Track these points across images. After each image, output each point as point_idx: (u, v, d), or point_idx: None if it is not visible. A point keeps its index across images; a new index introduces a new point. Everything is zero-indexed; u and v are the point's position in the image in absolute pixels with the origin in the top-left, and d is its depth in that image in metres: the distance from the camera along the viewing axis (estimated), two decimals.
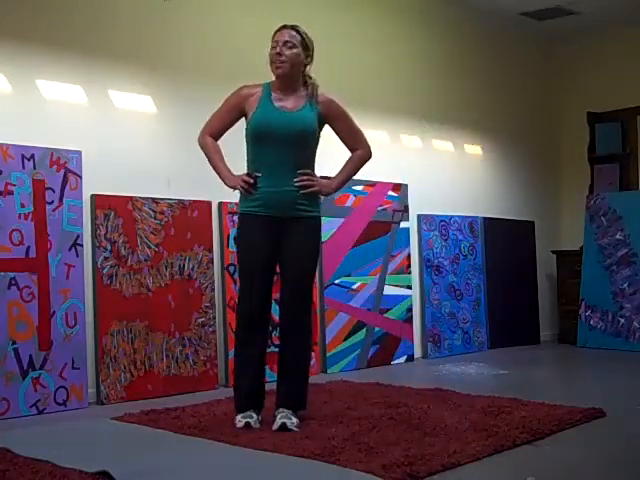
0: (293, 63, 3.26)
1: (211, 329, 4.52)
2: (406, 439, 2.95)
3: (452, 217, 6.10)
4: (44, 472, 2.58)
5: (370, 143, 3.49)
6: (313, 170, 3.36)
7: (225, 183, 3.41)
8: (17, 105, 3.91)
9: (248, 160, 3.37)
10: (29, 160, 3.87)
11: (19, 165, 3.84)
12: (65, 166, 3.99)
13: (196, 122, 4.61)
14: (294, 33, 3.28)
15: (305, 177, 3.25)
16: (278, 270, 3.36)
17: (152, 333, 4.26)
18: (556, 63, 7.28)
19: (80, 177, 4.05)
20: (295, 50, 3.26)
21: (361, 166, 3.46)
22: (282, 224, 3.26)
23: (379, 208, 5.50)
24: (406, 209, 5.71)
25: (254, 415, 3.28)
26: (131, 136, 4.35)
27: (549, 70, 7.25)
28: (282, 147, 3.23)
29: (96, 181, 4.13)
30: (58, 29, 4.06)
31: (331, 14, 5.35)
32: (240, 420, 3.25)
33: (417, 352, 5.69)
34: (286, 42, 3.25)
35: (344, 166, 3.44)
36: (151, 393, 4.20)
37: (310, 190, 3.26)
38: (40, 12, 3.99)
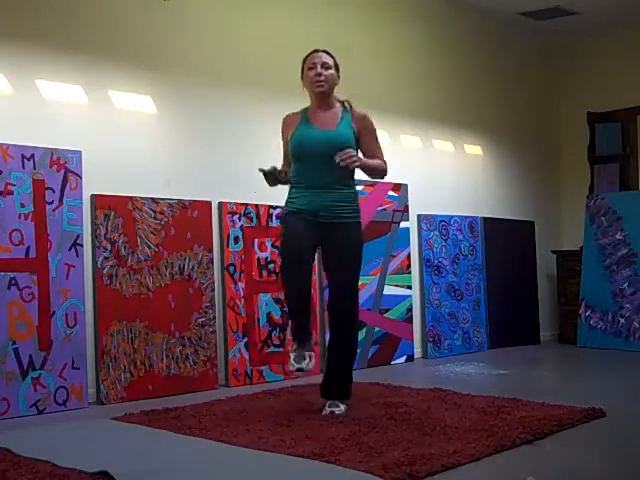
0: (330, 83, 3.55)
1: (211, 329, 4.52)
2: (406, 439, 2.95)
3: (452, 217, 6.10)
4: (44, 472, 2.58)
5: None
6: (353, 180, 3.60)
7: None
8: (17, 105, 3.91)
9: (291, 179, 3.59)
10: (29, 160, 3.87)
11: (19, 165, 3.84)
12: (65, 166, 3.99)
13: (196, 122, 4.65)
14: (327, 56, 3.58)
15: (345, 152, 3.37)
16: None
17: (152, 333, 4.26)
18: (556, 63, 7.28)
19: (80, 177, 4.05)
20: (331, 71, 3.55)
21: (380, 171, 3.65)
22: (323, 228, 3.47)
23: (379, 208, 5.50)
24: (406, 209, 5.71)
25: (306, 355, 3.42)
26: (131, 136, 4.35)
27: (549, 70, 7.25)
28: (319, 163, 3.47)
29: (96, 181, 4.13)
30: (58, 29, 4.06)
31: (330, 14, 5.35)
32: (292, 364, 3.41)
33: (417, 352, 5.69)
34: (324, 64, 3.54)
35: (374, 159, 3.62)
36: (151, 393, 4.20)
37: (352, 162, 3.39)
38: (40, 12, 3.99)
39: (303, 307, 3.48)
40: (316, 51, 3.59)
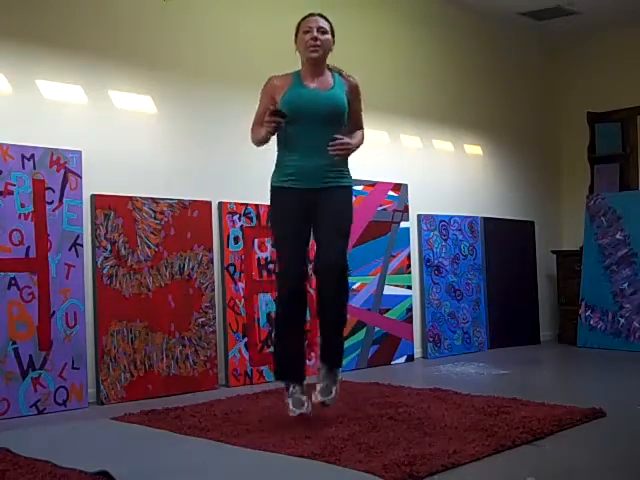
0: (325, 48, 3.43)
1: (211, 329, 4.52)
2: (406, 439, 2.95)
3: (452, 217, 6.10)
4: (44, 472, 2.58)
5: (370, 143, 3.56)
6: None
7: (263, 136, 3.45)
8: (17, 105, 3.91)
9: (279, 142, 3.48)
10: (29, 160, 3.87)
11: (19, 165, 3.84)
12: (65, 166, 3.99)
13: (196, 122, 4.65)
14: (324, 20, 3.48)
15: (338, 143, 3.33)
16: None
17: (152, 333, 4.26)
18: (556, 63, 7.28)
19: (80, 177, 4.05)
20: (327, 36, 3.45)
21: (362, 142, 3.59)
22: (313, 196, 3.36)
23: (379, 208, 5.50)
24: (406, 209, 5.71)
25: (304, 400, 3.33)
26: (131, 136, 4.35)
27: (549, 70, 7.25)
28: (314, 125, 3.36)
29: (96, 181, 4.13)
30: (58, 29, 4.06)
31: (330, 14, 5.31)
32: (293, 410, 3.31)
33: (417, 352, 5.69)
34: (319, 28, 3.43)
35: (354, 135, 3.53)
36: (151, 393, 4.20)
37: (342, 153, 3.35)
38: (40, 12, 3.99)
39: (299, 313, 3.37)
40: (312, 15, 3.48)
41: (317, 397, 3.31)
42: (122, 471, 2.56)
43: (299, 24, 3.48)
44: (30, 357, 3.79)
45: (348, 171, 3.50)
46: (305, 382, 3.39)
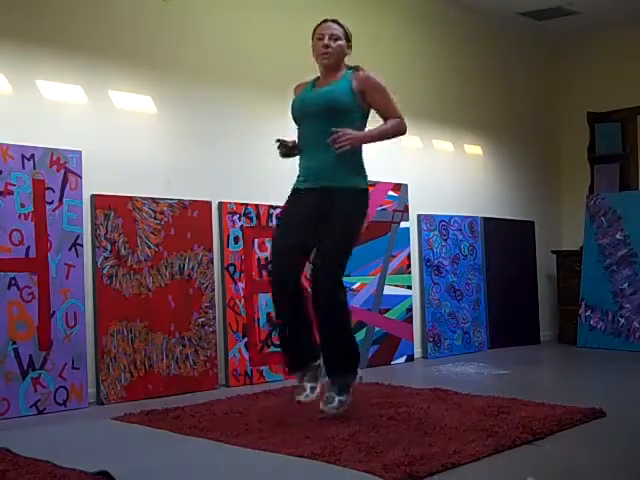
0: (337, 54, 3.45)
1: (211, 329, 4.52)
2: (406, 439, 2.94)
3: (452, 217, 6.10)
4: (44, 472, 2.58)
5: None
6: (361, 152, 3.45)
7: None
8: (17, 105, 3.91)
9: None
10: (29, 160, 3.87)
11: (19, 165, 3.84)
12: (65, 166, 3.99)
13: (196, 122, 4.65)
14: (337, 26, 3.49)
15: (335, 136, 3.26)
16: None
17: (152, 333, 4.26)
18: (556, 63, 7.28)
19: (80, 177, 4.05)
20: (340, 42, 3.46)
21: (394, 131, 3.48)
22: (320, 196, 3.34)
23: (379, 208, 5.50)
24: (406, 209, 5.71)
25: (306, 388, 3.33)
26: (131, 136, 4.35)
27: (549, 70, 7.25)
28: (315, 123, 3.39)
29: (96, 181, 4.13)
30: (58, 29, 4.06)
31: (330, 14, 5.32)
32: (295, 398, 3.34)
33: (417, 352, 5.69)
34: (332, 35, 3.45)
35: (378, 126, 3.48)
36: (151, 393, 4.20)
37: (344, 147, 3.26)
38: (40, 12, 3.99)
39: (289, 307, 3.35)
40: (325, 21, 3.50)
41: (320, 406, 3.35)
42: (122, 471, 2.56)
43: (314, 31, 3.51)
44: (30, 357, 3.79)
45: (359, 170, 3.42)
46: (311, 370, 3.37)
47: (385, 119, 3.49)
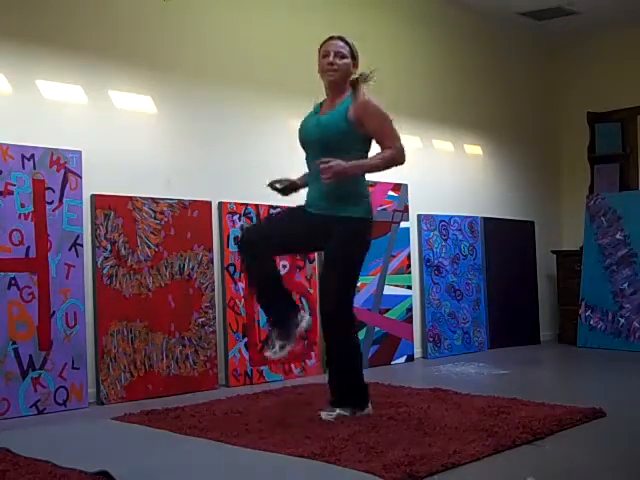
0: (342, 72, 3.43)
1: (211, 329, 4.52)
2: (406, 439, 2.95)
3: (452, 217, 6.10)
4: (44, 472, 2.58)
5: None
6: (359, 181, 3.43)
7: None
8: (17, 105, 3.91)
9: None
10: (29, 160, 3.87)
11: (19, 165, 3.84)
12: (65, 166, 3.99)
13: (196, 122, 4.65)
14: (343, 44, 3.44)
15: (322, 167, 3.22)
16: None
17: (152, 333, 4.26)
18: (556, 63, 7.28)
19: (80, 177, 4.05)
20: (346, 60, 3.43)
21: (385, 164, 3.40)
22: (320, 223, 3.36)
23: (379, 208, 5.50)
24: (406, 209, 5.71)
25: (277, 343, 3.37)
26: (131, 136, 4.35)
27: (549, 70, 7.25)
28: (313, 152, 3.42)
29: (96, 181, 4.13)
30: (58, 29, 4.06)
31: (330, 14, 5.35)
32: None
33: (417, 352, 5.69)
34: (337, 52, 3.41)
35: (370, 158, 3.44)
36: (151, 393, 4.20)
37: (328, 176, 3.22)
38: (40, 12, 3.99)
39: (266, 286, 3.39)
40: (331, 38, 3.45)
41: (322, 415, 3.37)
42: (122, 471, 2.56)
43: (320, 48, 3.47)
44: (30, 357, 3.79)
45: (356, 199, 3.37)
46: (286, 327, 3.38)
47: (381, 147, 3.45)
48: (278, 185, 3.54)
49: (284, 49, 4.99)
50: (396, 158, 3.42)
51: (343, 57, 3.41)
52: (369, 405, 3.48)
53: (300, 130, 3.54)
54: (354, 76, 3.46)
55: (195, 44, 4.64)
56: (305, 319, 3.41)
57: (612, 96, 6.78)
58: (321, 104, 3.54)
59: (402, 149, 3.43)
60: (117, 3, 4.30)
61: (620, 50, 6.85)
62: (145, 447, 2.98)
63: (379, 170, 3.44)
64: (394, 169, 5.67)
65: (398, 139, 3.43)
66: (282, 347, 3.34)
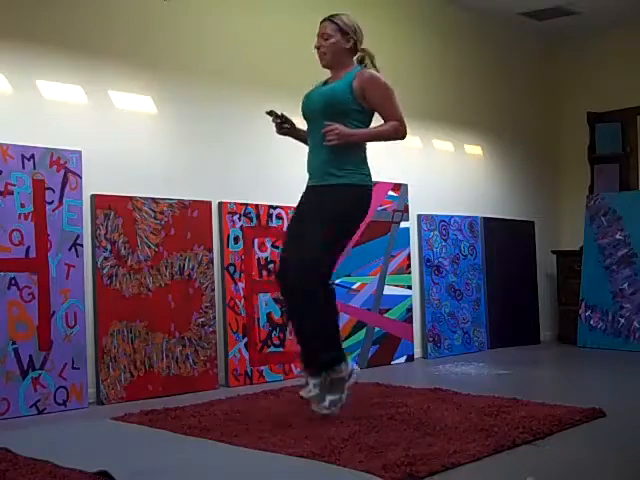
0: (333, 52, 3.46)
1: (211, 329, 4.52)
2: (406, 439, 2.94)
3: (452, 217, 6.10)
4: (44, 472, 2.58)
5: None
6: (359, 150, 3.44)
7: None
8: (17, 105, 3.91)
9: None
10: (29, 160, 3.87)
11: (19, 165, 3.84)
12: (65, 166, 3.99)
13: (196, 122, 4.65)
14: (328, 23, 3.48)
15: (326, 129, 3.28)
16: None
17: (152, 333, 4.26)
18: (556, 63, 7.28)
19: (80, 177, 4.05)
20: (332, 40, 3.45)
21: (389, 134, 3.45)
22: (320, 193, 3.39)
23: (379, 208, 5.50)
24: (406, 209, 5.71)
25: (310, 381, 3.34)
26: (131, 136, 4.35)
27: (549, 70, 7.25)
28: (315, 122, 3.44)
29: (96, 181, 4.13)
30: (58, 29, 4.06)
31: (330, 13, 5.34)
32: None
33: (417, 352, 5.69)
34: (322, 34, 3.47)
35: (375, 126, 3.47)
36: (151, 393, 4.20)
37: (331, 138, 3.27)
38: (40, 12, 3.99)
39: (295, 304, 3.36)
40: (321, 22, 3.52)
41: (312, 406, 3.35)
42: (122, 471, 2.56)
43: None
44: (30, 357, 3.79)
45: (355, 167, 3.40)
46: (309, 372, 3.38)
47: (384, 120, 3.48)
48: (279, 115, 3.52)
49: (284, 49, 4.99)
50: (400, 130, 3.46)
51: (329, 37, 3.45)
52: (343, 365, 3.37)
53: (304, 102, 3.54)
54: (360, 54, 3.53)
55: (195, 44, 4.64)
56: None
57: (612, 96, 6.78)
58: (326, 81, 3.57)
59: (405, 124, 3.48)
60: (117, 3, 4.30)
61: (620, 50, 6.84)
62: (145, 447, 2.98)
63: (382, 139, 3.51)
64: (394, 168, 5.69)
65: (401, 114, 3.47)
66: (315, 385, 3.32)
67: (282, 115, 3.56)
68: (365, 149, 3.50)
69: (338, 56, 3.48)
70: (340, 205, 3.35)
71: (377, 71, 3.50)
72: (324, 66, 3.52)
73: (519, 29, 6.82)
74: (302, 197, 3.54)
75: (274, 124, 3.58)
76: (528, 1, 6.19)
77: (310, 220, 3.35)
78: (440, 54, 6.22)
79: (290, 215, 3.65)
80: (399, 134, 3.48)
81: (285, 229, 3.59)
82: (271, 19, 5.01)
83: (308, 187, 3.52)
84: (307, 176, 3.56)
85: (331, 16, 3.51)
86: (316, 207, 3.37)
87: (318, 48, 3.47)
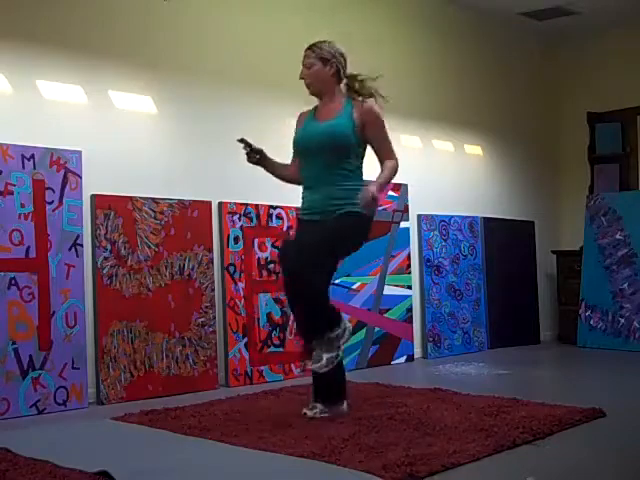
0: (316, 80, 3.46)
1: (211, 329, 4.52)
2: (406, 439, 2.94)
3: (452, 217, 6.10)
4: (44, 472, 2.58)
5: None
6: (358, 175, 3.46)
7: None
8: (17, 105, 3.91)
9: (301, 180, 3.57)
10: (29, 160, 3.87)
11: (19, 165, 3.84)
12: (65, 166, 3.99)
13: (196, 122, 4.65)
14: (309, 52, 3.47)
15: (364, 201, 3.27)
16: None
17: (152, 333, 4.26)
18: (556, 63, 7.28)
19: (80, 177, 4.05)
20: (314, 68, 3.45)
21: (392, 174, 3.47)
22: (319, 224, 3.40)
23: (379, 208, 5.49)
24: (406, 209, 5.71)
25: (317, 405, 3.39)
26: (131, 136, 4.35)
27: (549, 70, 7.25)
28: (313, 158, 3.43)
29: (96, 181, 4.13)
30: (58, 29, 4.06)
31: (330, 14, 5.35)
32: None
33: (417, 352, 5.69)
34: (306, 64, 3.47)
35: (381, 172, 3.45)
36: (151, 393, 4.20)
37: (371, 206, 3.31)
38: (40, 12, 3.99)
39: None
40: (305, 50, 3.51)
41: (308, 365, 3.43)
42: (122, 471, 2.56)
43: None
44: (30, 357, 3.79)
45: (356, 196, 3.37)
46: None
47: (378, 155, 3.49)
48: (250, 145, 3.50)
49: (284, 49, 4.98)
50: (397, 169, 3.50)
51: (311, 66, 3.45)
52: (344, 403, 3.45)
53: (298, 138, 3.51)
54: (344, 81, 3.52)
55: (195, 44, 4.64)
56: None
57: (612, 96, 6.78)
58: (314, 111, 3.55)
59: (397, 159, 3.51)
60: (117, 3, 4.31)
61: (620, 50, 6.84)
62: (145, 447, 2.98)
63: (390, 181, 3.54)
64: None
65: (393, 149, 3.52)
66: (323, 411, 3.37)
67: (251, 145, 3.51)
68: (362, 178, 3.50)
69: (323, 83, 3.47)
70: (342, 229, 3.39)
71: (372, 94, 3.49)
72: (311, 94, 3.52)
73: (519, 29, 6.82)
74: (300, 228, 3.53)
75: (244, 148, 3.53)
76: (528, 1, 6.19)
77: (310, 233, 3.38)
78: (440, 54, 6.22)
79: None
80: (396, 173, 3.52)
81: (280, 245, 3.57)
82: (271, 19, 5.01)
83: (306, 221, 3.47)
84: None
85: (311, 45, 3.49)
86: (317, 228, 3.37)
87: (302, 79, 3.48)
